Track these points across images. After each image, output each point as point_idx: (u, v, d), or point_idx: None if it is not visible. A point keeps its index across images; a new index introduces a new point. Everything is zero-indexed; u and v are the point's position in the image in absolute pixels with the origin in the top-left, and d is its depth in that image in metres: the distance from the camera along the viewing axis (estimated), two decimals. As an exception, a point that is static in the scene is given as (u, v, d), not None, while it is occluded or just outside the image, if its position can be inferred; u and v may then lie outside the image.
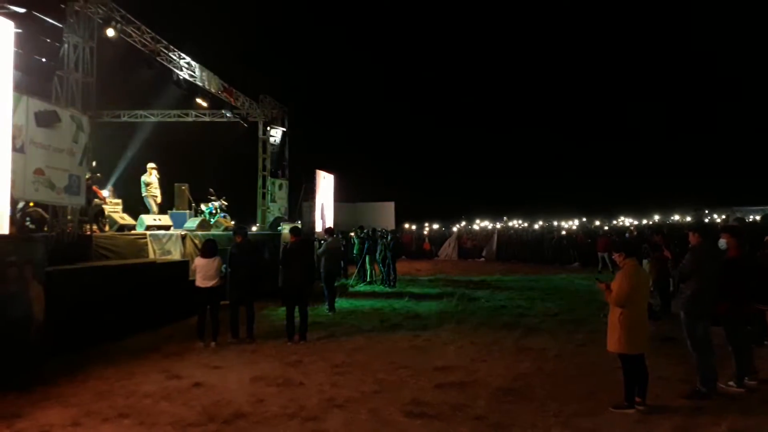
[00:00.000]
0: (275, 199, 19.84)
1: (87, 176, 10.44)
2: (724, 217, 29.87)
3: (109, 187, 13.99)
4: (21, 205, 9.61)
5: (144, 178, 14.06)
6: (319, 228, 17.93)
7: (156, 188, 14.21)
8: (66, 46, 10.31)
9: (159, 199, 14.34)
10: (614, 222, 39.67)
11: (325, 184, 19.21)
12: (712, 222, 28.52)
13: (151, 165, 14.20)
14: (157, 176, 14.27)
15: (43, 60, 10.60)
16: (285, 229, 14.62)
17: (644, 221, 38.61)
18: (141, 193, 14.09)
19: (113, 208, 13.22)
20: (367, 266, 17.50)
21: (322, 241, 13.81)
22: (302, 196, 19.56)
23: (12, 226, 7.54)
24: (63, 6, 10.41)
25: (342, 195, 22.50)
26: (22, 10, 9.78)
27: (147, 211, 13.93)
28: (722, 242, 6.55)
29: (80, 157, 9.79)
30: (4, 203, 7.16)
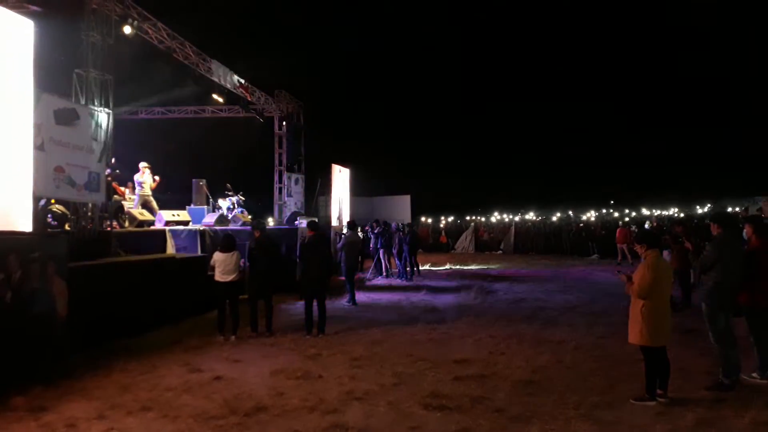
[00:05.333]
0: (291, 193, 19.93)
1: (106, 173, 10.55)
2: (744, 207, 29.41)
3: (129, 183, 14.12)
4: (42, 202, 9.76)
5: (137, 177, 13.89)
6: (335, 222, 17.97)
7: (147, 187, 13.94)
8: (84, 43, 10.41)
9: (151, 201, 13.99)
10: (633, 213, 39.27)
11: (340, 178, 19.24)
12: (734, 213, 28.10)
13: (143, 164, 13.96)
14: (151, 175, 14.05)
15: (62, 58, 10.71)
16: (302, 223, 14.69)
17: (664, 212, 38.16)
18: (135, 192, 13.87)
19: (132, 204, 13.36)
20: (382, 260, 17.52)
21: (342, 235, 13.83)
22: (318, 190, 19.63)
23: (34, 223, 7.64)
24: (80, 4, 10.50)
25: (358, 189, 22.52)
26: (40, 9, 9.90)
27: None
28: (745, 232, 6.45)
29: (99, 154, 9.89)
30: (27, 201, 7.26)
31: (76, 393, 6.05)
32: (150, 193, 13.97)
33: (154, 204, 14.01)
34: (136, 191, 13.89)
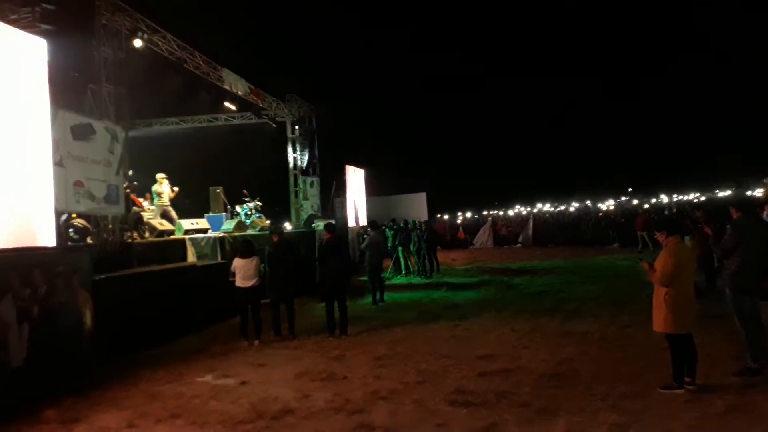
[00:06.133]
0: (308, 196, 20.00)
1: (124, 185, 10.68)
2: (764, 190, 28.92)
3: (146, 194, 14.26)
4: (64, 217, 9.91)
5: (155, 188, 14.03)
6: (352, 223, 17.99)
7: (166, 198, 14.09)
8: (96, 59, 10.55)
9: (171, 211, 14.12)
10: (653, 200, 38.80)
11: (355, 178, 19.26)
12: (753, 196, 27.65)
13: (160, 175, 14.09)
14: (169, 185, 14.19)
15: (75, 74, 10.86)
16: (319, 226, 14.73)
17: (684, 197, 37.66)
18: (154, 203, 14.02)
19: (151, 214, 13.49)
20: (401, 258, 17.51)
21: (364, 236, 13.86)
22: (334, 192, 19.66)
23: (57, 238, 7.76)
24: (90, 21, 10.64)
25: (373, 189, 22.54)
26: (51, 28, 10.04)
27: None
28: (766, 215, 6.36)
29: (117, 167, 10.02)
30: (49, 216, 7.39)
31: (106, 403, 6.13)
32: (168, 203, 14.10)
33: (173, 213, 14.13)
34: (155, 202, 14.03)
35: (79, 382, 6.65)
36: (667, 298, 5.45)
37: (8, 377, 5.94)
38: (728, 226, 6.35)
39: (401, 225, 17.92)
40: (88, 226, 10.33)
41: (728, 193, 35.19)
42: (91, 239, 10.23)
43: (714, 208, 19.11)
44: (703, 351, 5.81)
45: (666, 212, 22.63)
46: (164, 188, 14.00)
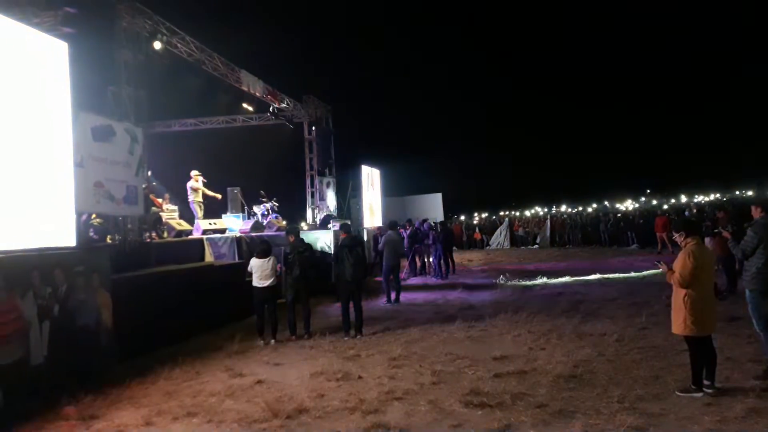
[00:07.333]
0: (324, 197, 20.09)
1: (144, 186, 10.82)
2: None
3: (165, 194, 14.45)
4: (84, 217, 10.05)
5: (190, 184, 14.43)
6: (367, 223, 18.02)
7: (201, 194, 14.53)
8: (117, 61, 10.69)
9: (203, 205, 14.66)
10: (672, 200, 38.31)
11: (371, 179, 19.29)
12: None
13: (195, 172, 14.54)
14: (203, 181, 14.61)
15: (96, 76, 11.02)
16: (335, 226, 14.79)
17: (705, 198, 37.12)
18: (188, 199, 14.46)
19: (170, 215, 13.66)
20: (417, 260, 17.47)
21: (381, 237, 13.89)
22: (350, 192, 19.72)
23: (78, 238, 7.88)
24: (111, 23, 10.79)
25: (389, 189, 22.55)
26: (73, 31, 10.20)
27: (193, 216, 14.31)
28: None
29: (136, 167, 10.13)
30: (69, 216, 7.50)
31: (124, 401, 6.21)
32: (202, 199, 14.48)
33: (201, 212, 14.53)
34: (190, 198, 14.36)
35: (98, 379, 6.74)
36: (687, 300, 5.38)
37: (28, 374, 6.05)
38: (746, 226, 6.25)
39: (417, 225, 17.88)
40: (108, 226, 10.47)
41: (750, 193, 34.60)
42: (111, 239, 10.37)
43: (735, 208, 18.82)
44: (722, 354, 5.74)
45: (686, 213, 22.30)
46: (198, 185, 14.39)
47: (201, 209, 14.62)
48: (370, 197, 18.87)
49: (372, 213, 18.86)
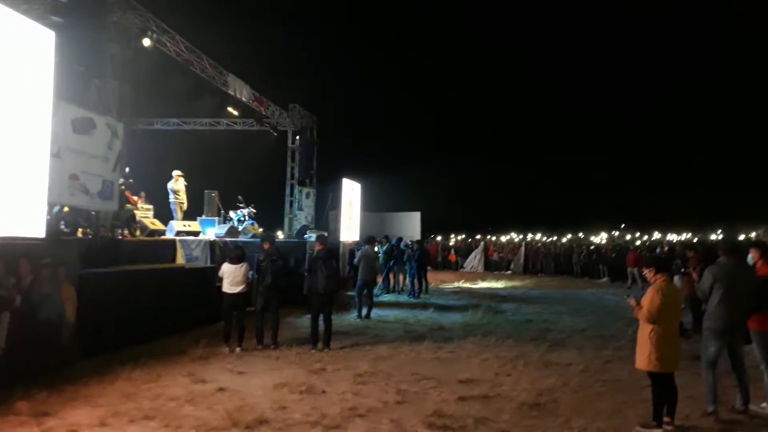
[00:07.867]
0: (302, 207, 20.01)
1: (120, 182, 10.67)
2: (755, 233, 29.10)
3: (141, 193, 14.27)
4: (56, 209, 9.86)
5: (170, 185, 14.32)
6: (344, 237, 17.96)
7: (182, 195, 14.46)
8: (104, 55, 10.59)
9: (185, 206, 14.61)
10: (645, 237, 38.98)
11: (352, 192, 19.26)
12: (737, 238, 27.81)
13: (177, 172, 14.48)
14: (184, 183, 14.52)
15: (81, 68, 10.89)
16: (311, 237, 14.72)
17: (678, 237, 37.84)
18: (168, 200, 14.36)
19: (144, 213, 13.47)
20: (390, 277, 17.46)
21: (358, 251, 13.86)
22: (329, 204, 19.66)
23: (47, 229, 7.73)
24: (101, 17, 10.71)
25: (369, 204, 22.54)
26: (62, 20, 10.09)
27: (172, 217, 14.21)
28: (750, 257, 6.40)
29: (114, 163, 9.99)
30: (41, 207, 7.35)
31: (80, 399, 6.06)
32: (184, 200, 14.34)
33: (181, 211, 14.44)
34: (170, 199, 14.20)
35: (56, 376, 6.57)
36: (652, 336, 5.45)
37: (-16, 366, 5.88)
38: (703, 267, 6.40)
39: (393, 242, 17.90)
40: (80, 219, 10.29)
41: (719, 235, 35.40)
42: (82, 233, 10.17)
43: (706, 249, 19.16)
44: (684, 392, 5.81)
45: (657, 250, 22.69)
46: (179, 186, 14.25)
47: (181, 210, 14.47)
48: (348, 211, 18.83)
49: (350, 227, 18.81)
